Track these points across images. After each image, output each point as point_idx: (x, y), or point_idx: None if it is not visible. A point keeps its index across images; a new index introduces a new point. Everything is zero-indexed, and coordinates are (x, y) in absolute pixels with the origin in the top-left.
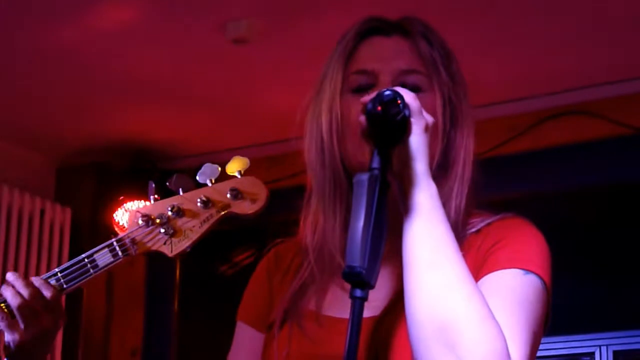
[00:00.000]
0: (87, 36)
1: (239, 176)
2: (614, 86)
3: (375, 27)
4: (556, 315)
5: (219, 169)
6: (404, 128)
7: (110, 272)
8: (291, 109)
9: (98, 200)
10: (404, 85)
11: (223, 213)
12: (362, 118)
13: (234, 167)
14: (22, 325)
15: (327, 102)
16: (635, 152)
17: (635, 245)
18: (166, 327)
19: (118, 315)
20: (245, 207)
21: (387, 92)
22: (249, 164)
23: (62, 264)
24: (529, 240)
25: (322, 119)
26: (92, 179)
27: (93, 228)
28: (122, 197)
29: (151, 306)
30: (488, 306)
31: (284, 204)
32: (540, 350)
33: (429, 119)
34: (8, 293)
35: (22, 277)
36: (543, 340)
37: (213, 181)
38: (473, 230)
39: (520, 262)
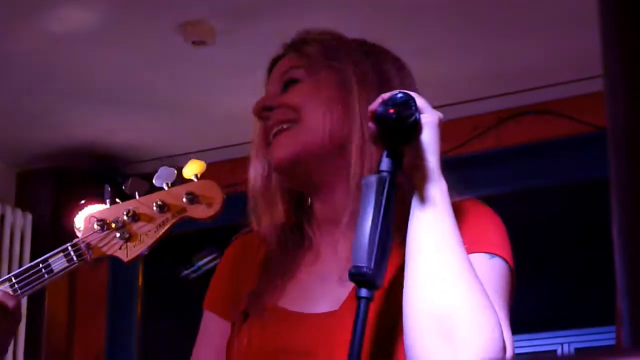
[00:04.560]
0: (45, 40)
1: (195, 180)
2: (574, 85)
3: (277, 56)
4: (518, 314)
5: (175, 172)
6: (415, 129)
7: (72, 277)
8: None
9: (59, 205)
10: (289, 80)
11: (178, 217)
12: (371, 124)
13: (191, 170)
14: None
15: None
16: (597, 150)
17: (597, 244)
18: (129, 332)
19: (80, 320)
20: (201, 212)
21: (400, 95)
22: (205, 168)
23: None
24: (488, 223)
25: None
26: (53, 183)
27: (54, 233)
28: (83, 202)
29: (114, 311)
30: (488, 297)
31: (246, 208)
32: None
33: (440, 114)
34: None
35: None
36: None
37: (169, 185)
38: None
39: (484, 246)
